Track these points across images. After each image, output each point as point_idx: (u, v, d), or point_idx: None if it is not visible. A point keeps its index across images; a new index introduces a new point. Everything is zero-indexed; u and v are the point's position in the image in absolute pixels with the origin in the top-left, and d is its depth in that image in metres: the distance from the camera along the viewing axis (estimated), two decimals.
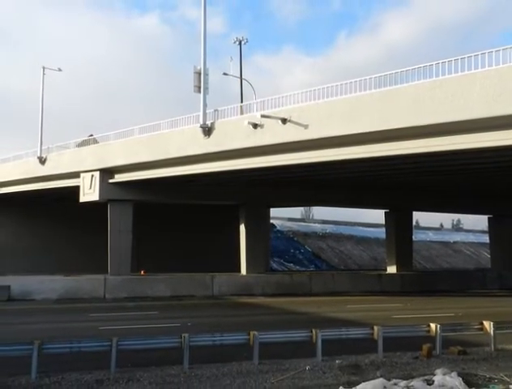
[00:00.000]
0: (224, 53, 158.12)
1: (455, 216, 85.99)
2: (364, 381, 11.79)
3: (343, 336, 15.00)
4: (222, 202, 37.58)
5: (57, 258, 40.76)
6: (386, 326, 15.43)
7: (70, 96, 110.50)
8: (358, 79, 19.64)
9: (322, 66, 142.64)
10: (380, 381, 11.63)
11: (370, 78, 19.31)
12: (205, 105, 25.46)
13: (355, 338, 15.12)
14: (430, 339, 15.22)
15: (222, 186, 33.97)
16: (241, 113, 24.89)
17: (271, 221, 53.52)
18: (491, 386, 11.18)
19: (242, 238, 36.37)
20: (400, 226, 41.33)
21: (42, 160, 35.91)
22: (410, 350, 15.05)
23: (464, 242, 72.45)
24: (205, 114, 25.26)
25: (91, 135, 36.98)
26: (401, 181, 33.34)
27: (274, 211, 51.45)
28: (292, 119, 21.27)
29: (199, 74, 25.90)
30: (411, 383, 11.65)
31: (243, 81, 43.68)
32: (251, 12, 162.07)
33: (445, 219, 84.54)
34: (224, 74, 41.86)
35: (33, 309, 26.74)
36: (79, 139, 37.12)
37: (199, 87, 25.82)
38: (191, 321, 21.56)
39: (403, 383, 11.63)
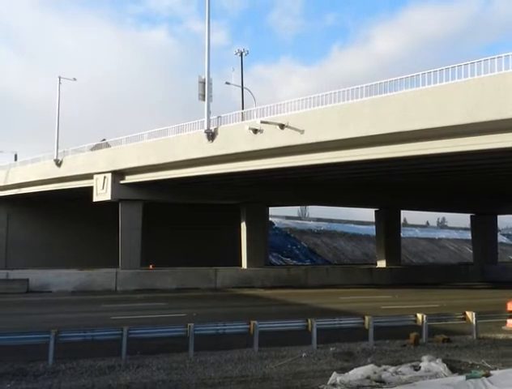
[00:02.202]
0: (226, 63, 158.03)
1: (440, 215, 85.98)
2: (356, 367, 11.79)
3: (337, 326, 14.98)
4: (224, 201, 37.56)
5: (72, 254, 40.82)
6: (376, 316, 15.43)
7: (84, 103, 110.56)
8: (350, 88, 19.65)
9: (318, 76, 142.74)
10: (371, 366, 11.65)
11: (361, 86, 19.30)
12: (209, 112, 25.52)
13: (348, 327, 15.11)
14: (417, 328, 15.21)
15: (224, 187, 33.97)
16: (242, 119, 24.90)
17: (270, 219, 53.55)
18: (473, 371, 11.18)
19: (243, 235, 36.36)
20: (389, 224, 41.38)
21: (58, 163, 35.90)
22: (398, 338, 15.05)
23: (448, 239, 72.44)
24: (209, 120, 25.30)
25: (104, 140, 37.01)
26: (391, 182, 33.34)
27: (272, 210, 51.50)
28: (290, 125, 21.27)
29: (204, 83, 25.91)
30: (400, 369, 11.66)
31: (244, 89, 43.79)
32: (252, 26, 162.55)
33: (431, 217, 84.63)
34: (227, 83, 41.92)
35: (50, 300, 26.79)
36: (93, 143, 37.15)
37: (203, 96, 25.85)
38: (196, 311, 21.56)
39: (391, 369, 11.63)
